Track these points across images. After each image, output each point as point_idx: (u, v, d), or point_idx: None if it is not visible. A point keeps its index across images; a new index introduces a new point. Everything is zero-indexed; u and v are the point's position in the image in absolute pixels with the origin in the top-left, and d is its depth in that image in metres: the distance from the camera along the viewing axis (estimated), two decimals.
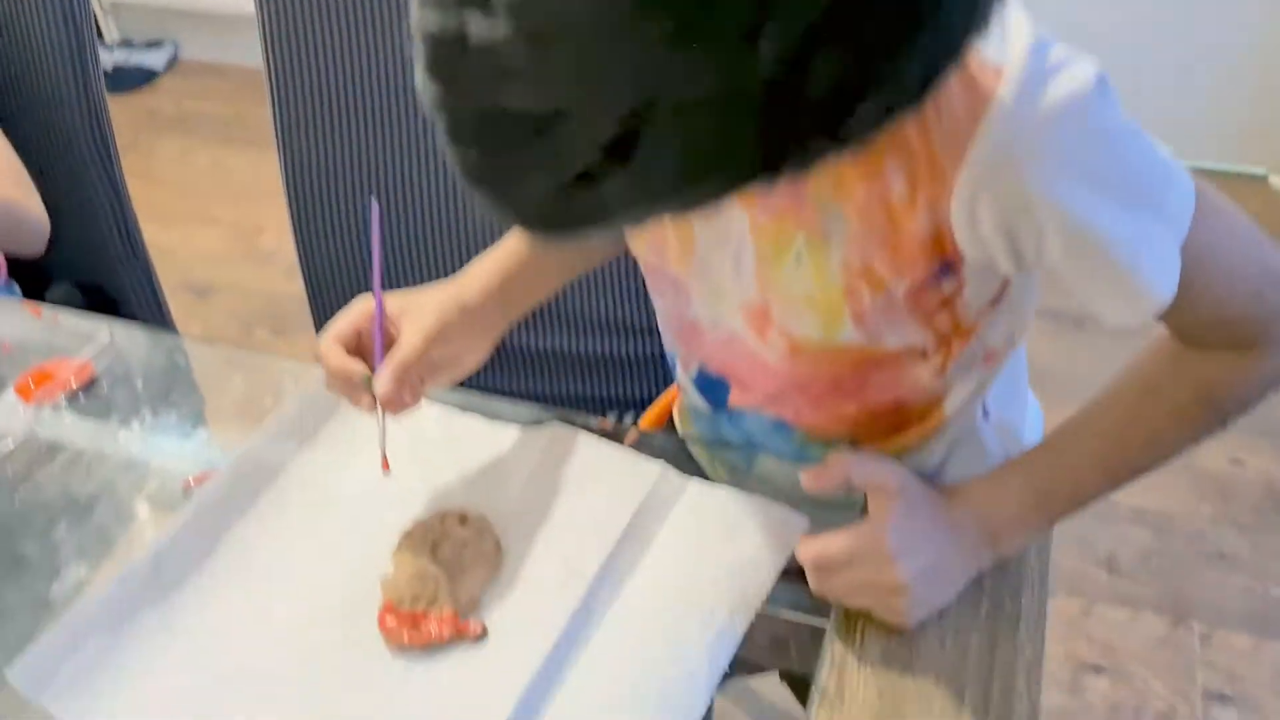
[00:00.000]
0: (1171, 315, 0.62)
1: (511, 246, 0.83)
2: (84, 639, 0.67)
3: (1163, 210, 0.57)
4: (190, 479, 0.79)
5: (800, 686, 0.64)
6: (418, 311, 0.76)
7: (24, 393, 0.87)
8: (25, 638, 0.67)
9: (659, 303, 0.85)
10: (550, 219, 0.42)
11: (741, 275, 0.71)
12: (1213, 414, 0.69)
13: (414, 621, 0.68)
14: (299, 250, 1.23)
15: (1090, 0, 2.33)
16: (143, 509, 0.78)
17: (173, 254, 2.37)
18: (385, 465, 0.74)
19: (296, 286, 1.25)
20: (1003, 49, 0.54)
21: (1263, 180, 2.42)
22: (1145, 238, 0.57)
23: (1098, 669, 1.50)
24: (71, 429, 0.85)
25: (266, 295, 2.06)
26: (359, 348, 0.74)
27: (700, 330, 0.80)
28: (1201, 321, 0.63)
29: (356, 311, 0.74)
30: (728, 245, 0.70)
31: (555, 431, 0.81)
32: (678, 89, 0.35)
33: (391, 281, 0.80)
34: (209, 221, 2.40)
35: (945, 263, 0.64)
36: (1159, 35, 2.33)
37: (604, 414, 0.85)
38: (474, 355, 0.79)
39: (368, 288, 0.77)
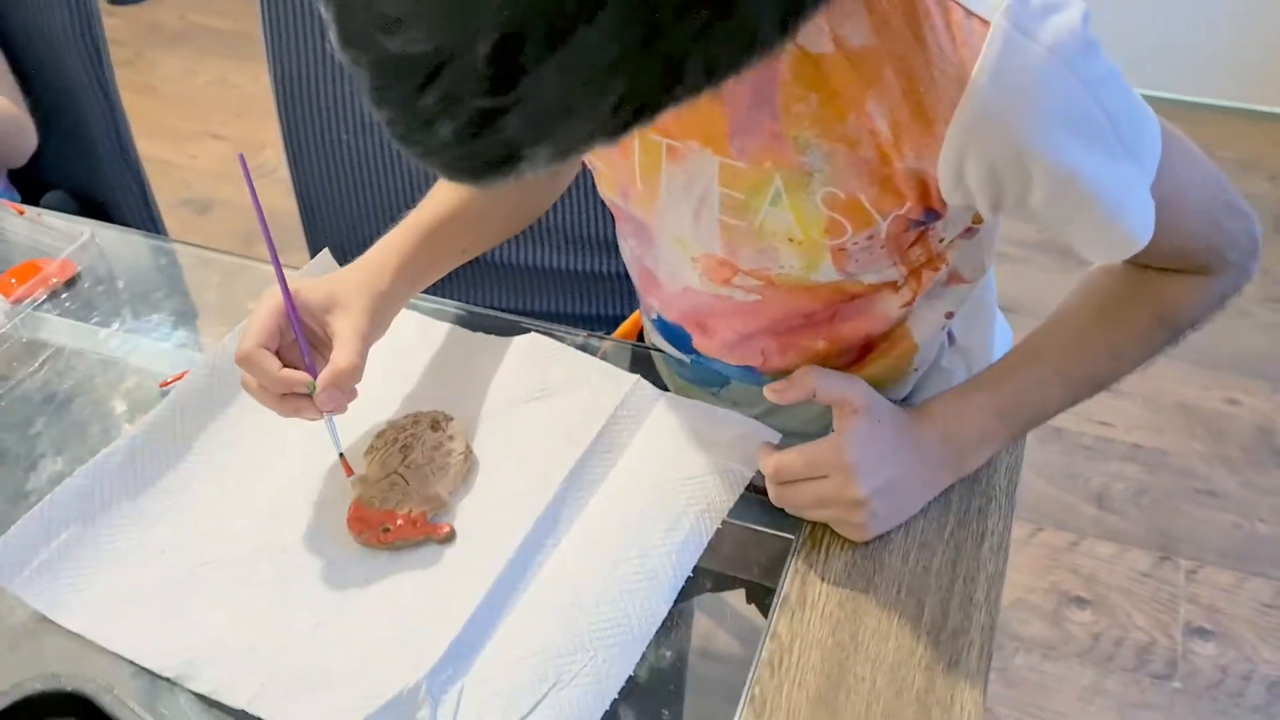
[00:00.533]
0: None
1: (414, 223, 0.81)
2: (57, 529, 0.68)
3: (1139, 155, 0.59)
4: (168, 378, 0.79)
5: (766, 601, 0.65)
6: (345, 308, 0.73)
7: (5, 289, 0.86)
8: (0, 529, 0.67)
9: (626, 245, 0.85)
10: (468, 166, 0.42)
11: (701, 225, 0.71)
12: (1168, 332, 0.71)
13: (382, 521, 0.68)
14: (289, 163, 1.22)
15: None
16: (119, 406, 0.78)
17: (175, 169, 2.37)
18: (348, 470, 0.72)
19: (291, 219, 1.24)
20: (980, 0, 0.54)
21: (1278, 118, 2.39)
22: (1128, 185, 0.59)
23: (1081, 601, 1.51)
24: (52, 326, 0.85)
25: (271, 212, 2.06)
26: (282, 344, 0.70)
27: (656, 281, 0.81)
28: (1164, 251, 0.64)
29: (268, 308, 0.70)
30: (691, 192, 0.69)
31: (532, 341, 0.81)
32: (542, 10, 0.35)
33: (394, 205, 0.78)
34: (211, 137, 2.39)
35: (928, 207, 0.64)
36: None
37: (588, 329, 0.85)
38: (385, 331, 0.77)
39: (359, 204, 0.76)
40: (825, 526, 0.68)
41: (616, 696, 0.60)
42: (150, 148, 1.35)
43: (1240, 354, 1.85)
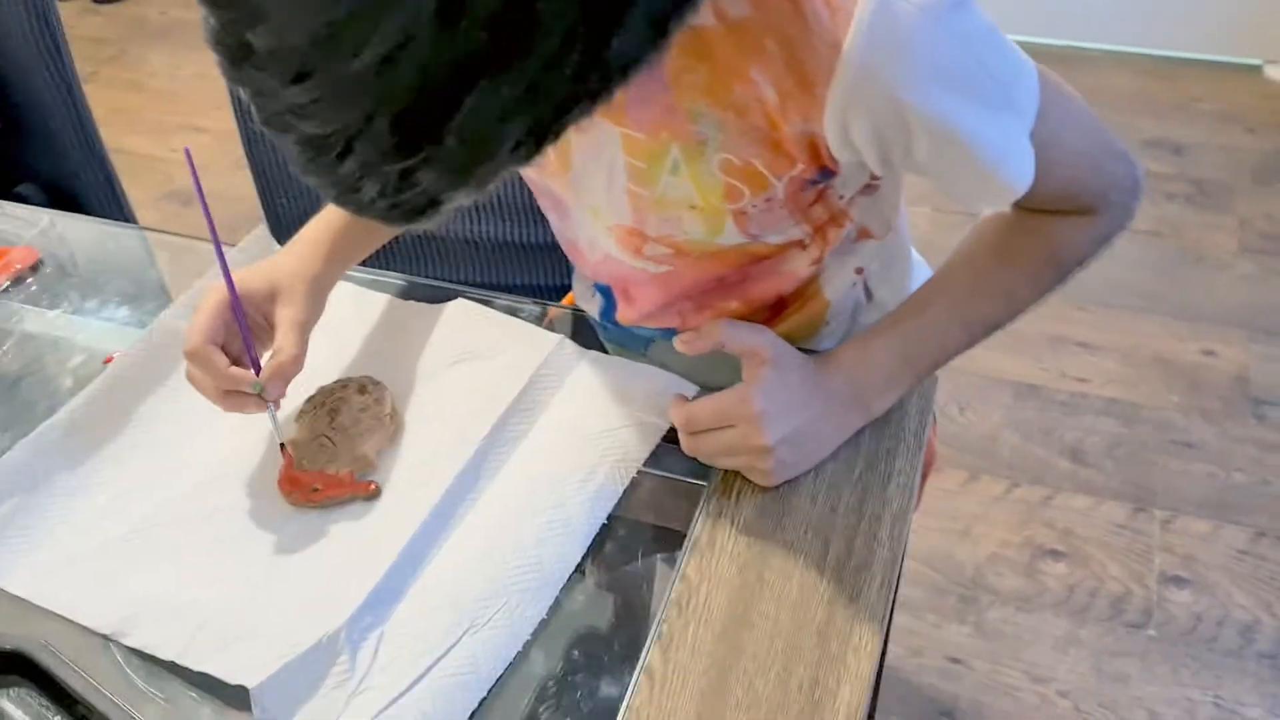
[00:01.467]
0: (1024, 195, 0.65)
1: (336, 213, 0.81)
2: (3, 490, 0.69)
3: (1016, 105, 0.60)
4: (112, 355, 0.80)
5: (678, 546, 0.66)
6: (286, 298, 0.74)
7: None
8: None
9: (552, 219, 0.85)
10: (399, 215, 0.44)
11: (613, 193, 0.71)
12: (1058, 271, 0.73)
13: (311, 482, 0.70)
14: (245, 149, 1.20)
15: None
16: (67, 382, 0.79)
17: (159, 163, 2.38)
18: (288, 458, 0.72)
19: (252, 207, 1.24)
20: None
21: (1257, 70, 2.37)
22: (1006, 135, 0.60)
23: (1056, 554, 1.53)
24: (15, 314, 0.85)
25: (250, 201, 2.08)
26: (226, 335, 0.71)
27: (580, 250, 0.82)
28: (1049, 194, 0.65)
29: (214, 304, 0.70)
30: (600, 160, 0.70)
31: (461, 306, 0.82)
32: (423, 87, 0.37)
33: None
34: (195, 130, 2.39)
35: (822, 168, 0.65)
36: None
37: (536, 299, 0.86)
38: (322, 311, 0.77)
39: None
40: (737, 474, 0.69)
41: (529, 638, 0.61)
42: (135, 142, 1.37)
43: (1216, 305, 1.85)
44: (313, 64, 0.37)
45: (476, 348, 0.79)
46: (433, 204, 0.43)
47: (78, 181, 1.31)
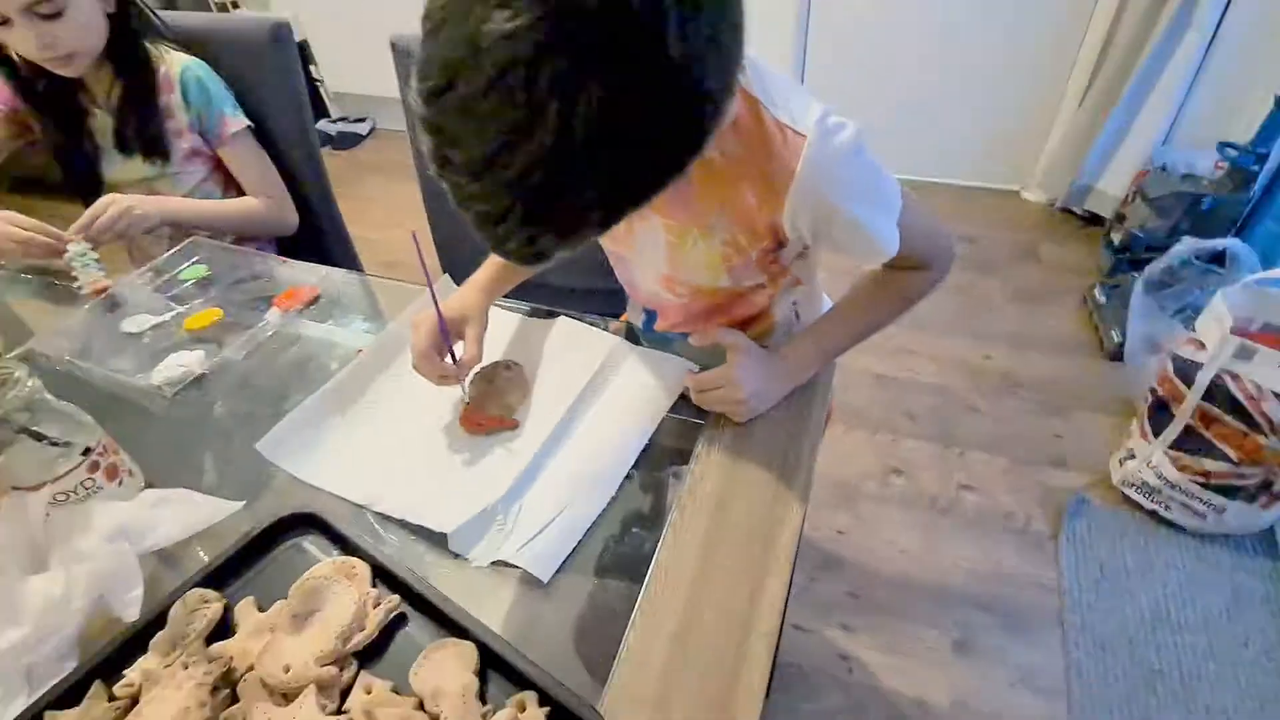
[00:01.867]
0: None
1: (494, 259, 0.79)
2: (298, 428, 0.69)
3: (890, 207, 0.60)
4: (360, 349, 0.79)
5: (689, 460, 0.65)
6: (471, 317, 0.72)
7: (281, 303, 0.88)
8: (268, 429, 0.68)
9: (618, 271, 0.83)
10: (526, 259, 0.43)
11: (657, 255, 0.71)
12: (905, 302, 0.72)
13: (479, 419, 0.70)
14: (431, 230, 1.22)
15: (876, 64, 2.24)
16: (334, 365, 0.79)
17: (376, 244, 2.39)
18: (467, 406, 0.71)
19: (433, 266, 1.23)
20: (803, 121, 0.55)
21: (1017, 193, 2.35)
22: (885, 224, 0.60)
23: (898, 472, 1.52)
24: (304, 324, 0.86)
25: (430, 267, 2.12)
26: (436, 343, 0.69)
27: (637, 288, 0.81)
28: (903, 257, 0.64)
29: (428, 328, 0.69)
30: (651, 237, 0.69)
31: (562, 321, 0.81)
32: (543, 192, 0.38)
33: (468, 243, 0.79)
34: (395, 225, 2.37)
35: (779, 242, 0.65)
36: (935, 89, 2.23)
37: (612, 316, 0.86)
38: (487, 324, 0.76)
39: (475, 253, 0.78)
40: (723, 415, 0.68)
41: (603, 508, 0.61)
42: (360, 231, 1.37)
43: (991, 330, 1.85)
44: (481, 171, 0.38)
45: (570, 345, 0.78)
46: (543, 255, 0.43)
47: (333, 251, 1.32)
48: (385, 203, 2.48)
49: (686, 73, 0.36)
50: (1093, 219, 2.20)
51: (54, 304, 0.91)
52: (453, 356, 0.69)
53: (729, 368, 0.66)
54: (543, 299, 0.84)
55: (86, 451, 0.58)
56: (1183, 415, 1.32)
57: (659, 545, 0.57)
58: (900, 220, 0.61)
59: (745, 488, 0.61)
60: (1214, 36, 1.80)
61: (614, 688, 0.48)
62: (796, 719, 1.16)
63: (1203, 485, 1.33)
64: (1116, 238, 1.93)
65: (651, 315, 0.83)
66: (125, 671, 0.49)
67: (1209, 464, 1.30)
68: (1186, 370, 1.31)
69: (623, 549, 0.58)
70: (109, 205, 0.93)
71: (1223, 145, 1.71)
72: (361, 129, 2.98)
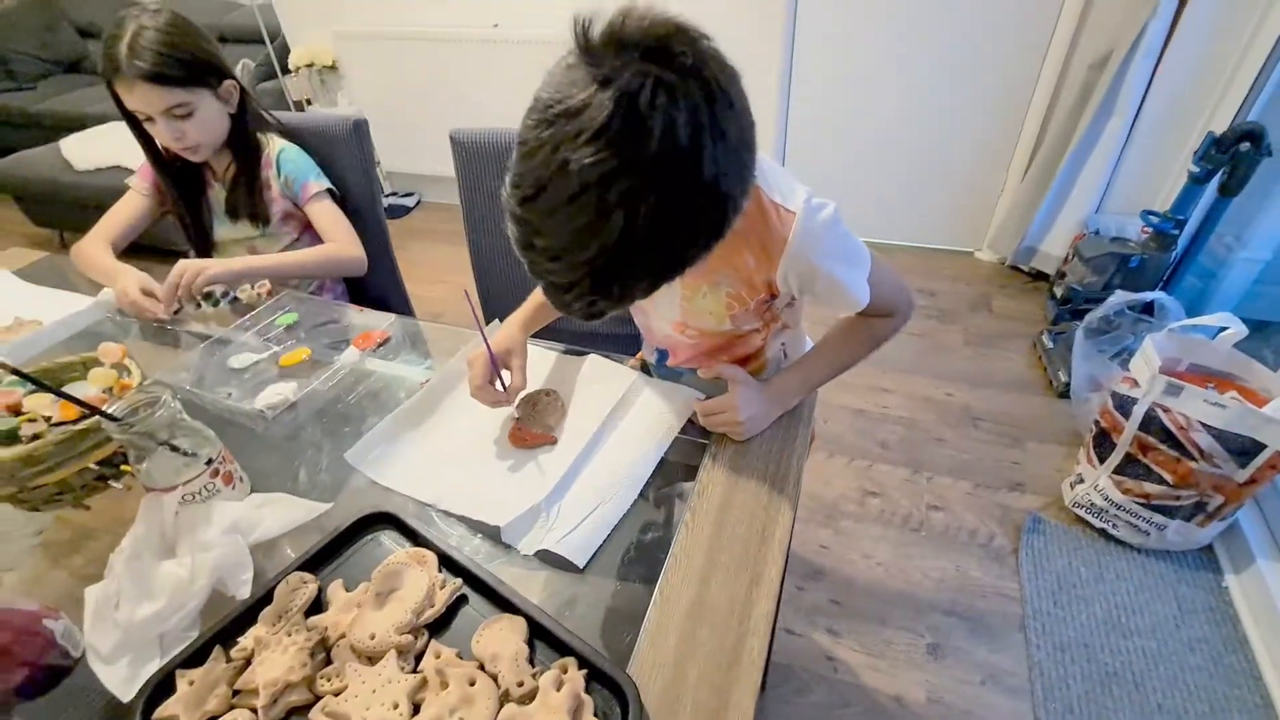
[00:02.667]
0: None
1: (536, 298, 0.81)
2: (378, 439, 0.72)
3: (862, 265, 0.64)
4: (425, 380, 0.82)
5: (695, 474, 0.67)
6: (514, 351, 0.75)
7: (358, 344, 0.90)
8: (351, 444, 0.71)
9: (636, 318, 0.85)
10: (587, 316, 0.49)
11: (672, 305, 0.73)
12: (874, 343, 0.74)
13: (524, 435, 0.72)
14: (479, 291, 1.23)
15: (848, 145, 2.31)
16: (405, 395, 0.80)
17: (421, 299, 2.44)
18: (515, 424, 0.72)
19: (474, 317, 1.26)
20: (793, 201, 0.60)
21: (970, 254, 2.39)
22: (859, 280, 0.64)
23: (872, 494, 1.53)
24: (375, 363, 0.88)
25: (464, 323, 2.16)
26: (489, 375, 0.72)
27: (653, 332, 0.83)
28: (871, 306, 0.67)
29: (481, 365, 0.71)
30: (666, 291, 0.70)
31: (592, 358, 0.82)
32: (608, 271, 0.44)
33: (515, 293, 0.84)
34: (439, 283, 2.41)
35: (772, 295, 0.69)
36: (899, 166, 2.30)
37: (628, 354, 0.86)
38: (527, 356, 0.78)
39: (514, 303, 0.83)
40: (724, 435, 0.70)
41: (627, 509, 0.63)
42: (410, 288, 1.43)
43: (952, 371, 1.87)
44: (560, 255, 0.43)
45: (597, 378, 0.79)
46: (600, 313, 0.48)
47: (394, 302, 1.35)
48: (429, 264, 2.54)
49: (716, 185, 0.43)
50: (1038, 275, 2.25)
51: (156, 344, 0.94)
52: (502, 384, 0.72)
53: (730, 396, 0.68)
54: (571, 341, 0.87)
55: (209, 461, 0.62)
56: (1123, 444, 1.35)
57: (674, 540, 0.59)
58: (870, 277, 0.65)
59: (744, 493, 0.63)
60: (1134, 121, 1.89)
61: (639, 655, 0.51)
62: (789, 710, 1.17)
63: (1144, 505, 1.35)
64: (1059, 291, 1.99)
65: (663, 354, 0.85)
66: (239, 639, 0.54)
67: (1149, 486, 1.33)
68: (1124, 404, 1.35)
69: (643, 544, 0.60)
70: (183, 271, 0.96)
71: (1146, 213, 1.78)
72: (409, 201, 3.07)
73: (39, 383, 0.58)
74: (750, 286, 0.67)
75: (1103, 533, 1.42)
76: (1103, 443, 1.40)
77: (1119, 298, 1.62)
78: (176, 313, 0.99)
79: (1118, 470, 1.37)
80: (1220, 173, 1.59)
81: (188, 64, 0.95)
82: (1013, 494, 1.53)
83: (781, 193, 0.60)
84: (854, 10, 2.06)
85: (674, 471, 0.68)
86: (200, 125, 0.99)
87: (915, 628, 1.28)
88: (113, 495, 0.69)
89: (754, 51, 2.17)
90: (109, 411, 0.58)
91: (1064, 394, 1.76)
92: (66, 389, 0.66)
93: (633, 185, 0.40)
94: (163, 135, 0.98)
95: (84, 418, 0.66)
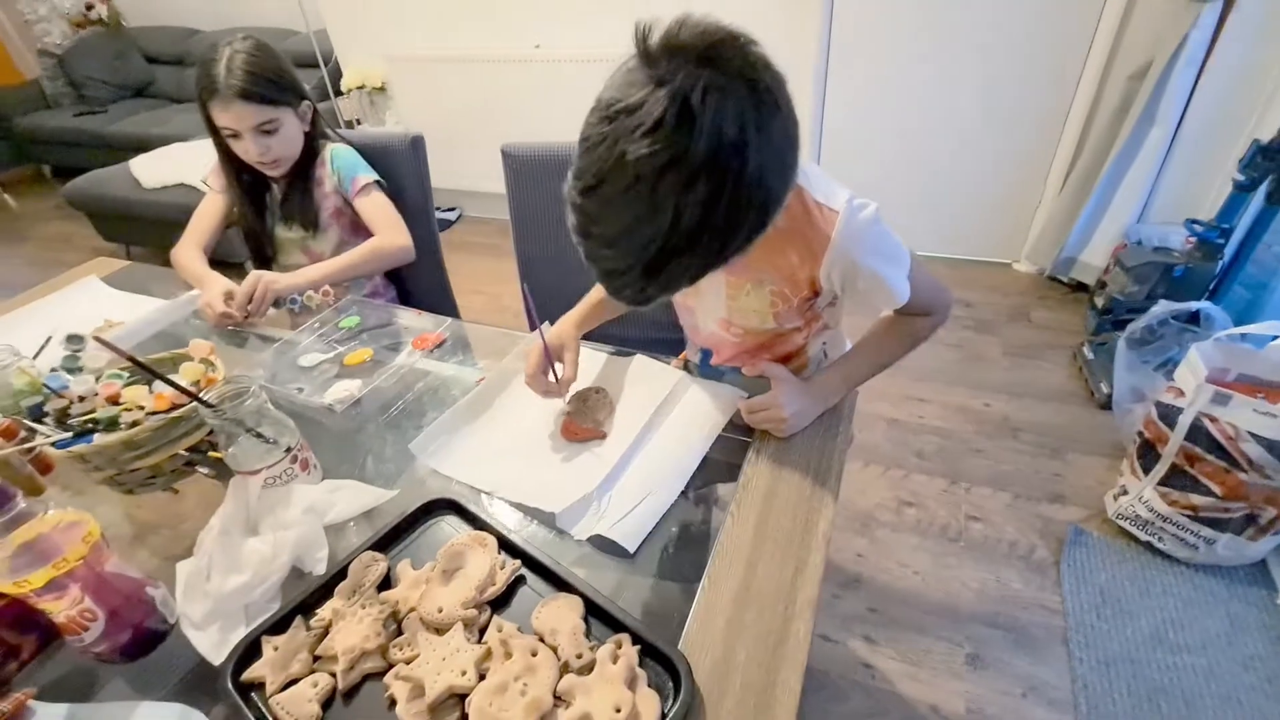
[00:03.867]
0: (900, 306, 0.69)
1: (590, 299, 0.84)
2: (440, 431, 0.74)
3: (903, 264, 0.66)
4: (479, 379, 0.85)
5: (739, 470, 0.68)
6: (567, 345, 0.77)
7: (416, 345, 0.94)
8: (416, 437, 0.74)
9: (681, 317, 0.88)
10: (636, 303, 0.52)
11: (718, 303, 0.76)
12: (912, 341, 0.75)
13: (576, 429, 0.74)
14: (524, 297, 1.27)
15: (886, 158, 2.32)
16: (459, 392, 0.83)
17: (463, 308, 2.50)
18: (567, 419, 0.74)
19: (521, 321, 1.26)
20: (835, 201, 0.62)
21: (1008, 266, 2.36)
22: (900, 277, 0.66)
23: (909, 504, 1.52)
24: (431, 363, 0.92)
25: (513, 329, 2.21)
26: (543, 365, 0.74)
27: (698, 331, 0.85)
28: (910, 305, 0.68)
29: (536, 355, 0.73)
30: (714, 289, 0.75)
31: (639, 358, 0.84)
32: (657, 259, 0.47)
33: (557, 300, 0.87)
34: (477, 293, 2.47)
35: (815, 292, 0.70)
36: (936, 179, 2.29)
37: (672, 356, 0.87)
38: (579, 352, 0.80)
39: (558, 310, 0.83)
40: (767, 432, 0.71)
41: (674, 500, 0.65)
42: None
43: (990, 382, 1.85)
44: (614, 242, 0.47)
45: (644, 377, 0.81)
46: (649, 299, 0.51)
47: (441, 308, 1.36)
48: (468, 275, 2.61)
49: (760, 179, 0.46)
50: (1077, 286, 2.21)
51: (225, 344, 1.00)
52: (555, 375, 0.75)
53: (774, 393, 0.70)
54: (618, 344, 0.90)
55: (288, 449, 0.67)
56: (1168, 455, 1.33)
57: (720, 529, 0.61)
58: (909, 276, 0.67)
59: (787, 486, 0.65)
60: (1176, 130, 1.86)
61: (688, 635, 0.54)
62: (826, 717, 1.17)
63: (1191, 518, 1.32)
64: (1099, 302, 1.96)
65: (707, 354, 0.87)
66: (318, 610, 0.58)
67: (1196, 499, 1.30)
68: (1169, 415, 1.33)
69: (687, 535, 0.62)
70: (255, 285, 1.02)
71: (1190, 222, 1.75)
72: (451, 215, 3.18)
73: (154, 372, 0.64)
74: (794, 284, 0.69)
75: (1148, 546, 1.39)
76: (1147, 454, 1.37)
77: (1163, 308, 1.59)
78: (246, 319, 1.05)
79: (1163, 482, 1.34)
80: (1268, 180, 1.56)
81: (275, 84, 1.05)
82: (1054, 505, 1.50)
83: (825, 193, 0.63)
84: (889, 19, 2.07)
85: (717, 469, 0.69)
86: (283, 141, 1.08)
87: (954, 637, 1.26)
88: (188, 483, 0.74)
89: (788, 60, 2.20)
90: (206, 398, 0.63)
91: (1106, 405, 1.73)
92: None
93: (683, 177, 0.43)
94: (249, 150, 1.06)
95: (175, 408, 0.72)
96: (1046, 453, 1.63)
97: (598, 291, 0.85)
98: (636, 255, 0.47)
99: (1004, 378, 1.88)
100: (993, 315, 2.15)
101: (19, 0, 3.99)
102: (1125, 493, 1.42)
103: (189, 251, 1.15)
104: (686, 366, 0.82)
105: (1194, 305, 1.56)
